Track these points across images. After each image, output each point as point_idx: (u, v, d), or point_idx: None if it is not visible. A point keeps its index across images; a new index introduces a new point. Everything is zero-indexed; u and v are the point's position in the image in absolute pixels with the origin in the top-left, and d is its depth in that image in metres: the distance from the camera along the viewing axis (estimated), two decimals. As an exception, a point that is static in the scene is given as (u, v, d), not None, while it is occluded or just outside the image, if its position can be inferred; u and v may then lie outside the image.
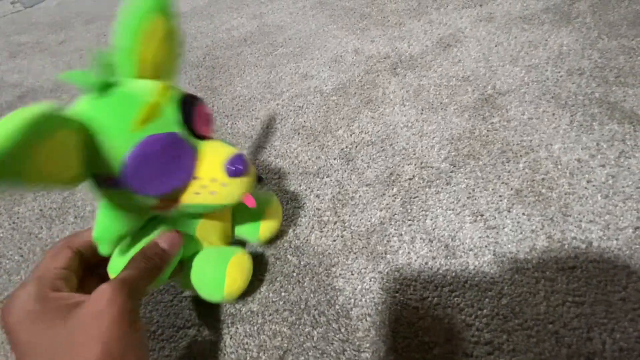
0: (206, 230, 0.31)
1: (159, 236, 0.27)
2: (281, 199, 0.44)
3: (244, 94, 0.63)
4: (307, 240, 0.39)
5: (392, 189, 0.42)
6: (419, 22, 0.71)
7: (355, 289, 0.34)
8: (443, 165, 0.43)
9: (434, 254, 0.35)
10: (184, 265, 0.31)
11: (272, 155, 0.50)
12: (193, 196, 0.24)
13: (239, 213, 0.34)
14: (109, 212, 0.24)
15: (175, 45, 0.25)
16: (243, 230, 0.35)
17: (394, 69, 0.60)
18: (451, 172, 0.42)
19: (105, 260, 0.27)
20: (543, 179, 0.39)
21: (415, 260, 0.35)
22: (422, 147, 0.46)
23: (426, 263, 0.35)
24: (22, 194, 0.53)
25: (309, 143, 0.50)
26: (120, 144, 0.21)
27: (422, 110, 0.51)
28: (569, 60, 0.53)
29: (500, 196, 0.39)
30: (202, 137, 0.25)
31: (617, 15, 0.59)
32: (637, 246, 0.32)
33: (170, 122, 0.23)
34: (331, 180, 0.45)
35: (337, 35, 0.74)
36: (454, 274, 0.34)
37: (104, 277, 0.27)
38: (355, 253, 0.37)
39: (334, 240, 0.38)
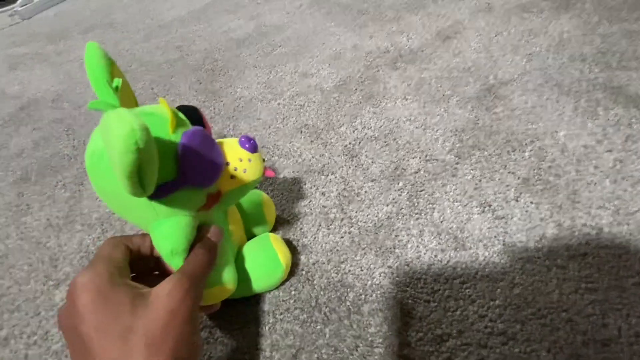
0: (233, 234, 0.34)
1: (206, 231, 0.28)
2: (286, 198, 0.44)
3: (244, 95, 0.63)
4: (315, 237, 0.39)
5: (398, 184, 0.42)
6: (417, 16, 0.71)
7: (366, 285, 0.34)
8: (448, 157, 0.43)
9: (443, 246, 0.35)
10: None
11: (275, 154, 0.50)
12: (231, 182, 0.28)
13: (245, 215, 0.38)
14: (174, 223, 0.25)
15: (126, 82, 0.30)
16: (255, 226, 0.39)
17: (394, 63, 0.60)
18: (457, 163, 0.42)
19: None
20: (550, 167, 0.39)
21: (425, 254, 0.35)
22: (426, 140, 0.46)
23: (435, 256, 0.35)
24: (28, 204, 0.53)
25: (312, 141, 0.50)
26: (168, 147, 0.23)
27: (425, 103, 0.51)
28: (571, 46, 0.53)
29: (507, 185, 0.38)
30: None
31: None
32: (649, 230, 0.32)
33: (190, 124, 0.26)
34: (336, 177, 0.44)
35: (335, 32, 0.74)
36: (464, 265, 0.33)
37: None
38: (363, 249, 0.37)
39: (342, 237, 0.38)
